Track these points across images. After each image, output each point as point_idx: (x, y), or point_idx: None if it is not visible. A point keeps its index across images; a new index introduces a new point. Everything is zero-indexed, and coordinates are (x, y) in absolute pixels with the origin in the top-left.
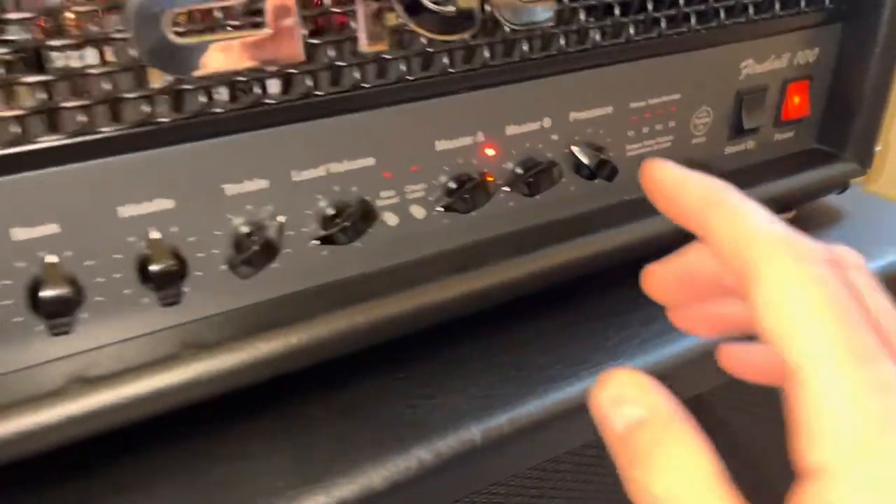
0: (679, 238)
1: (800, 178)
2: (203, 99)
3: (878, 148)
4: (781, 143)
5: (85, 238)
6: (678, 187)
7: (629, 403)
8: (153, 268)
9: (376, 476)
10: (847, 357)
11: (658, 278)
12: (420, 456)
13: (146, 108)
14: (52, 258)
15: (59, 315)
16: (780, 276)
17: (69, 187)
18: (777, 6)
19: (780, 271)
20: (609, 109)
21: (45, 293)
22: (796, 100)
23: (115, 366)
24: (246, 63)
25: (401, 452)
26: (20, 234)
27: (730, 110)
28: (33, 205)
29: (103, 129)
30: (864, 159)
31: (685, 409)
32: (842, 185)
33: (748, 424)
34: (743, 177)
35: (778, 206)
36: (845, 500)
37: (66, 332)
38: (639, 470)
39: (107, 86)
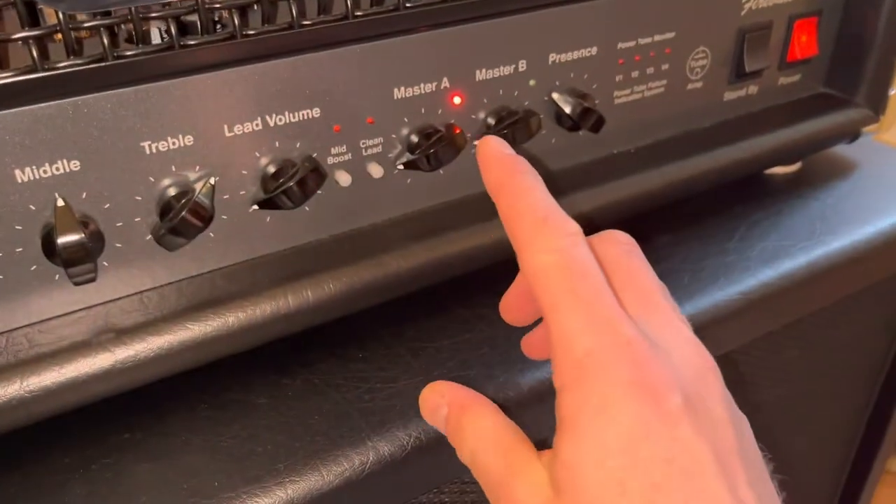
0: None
1: (806, 126)
2: (105, 41)
3: (892, 92)
4: (786, 87)
5: None
6: (487, 166)
7: (440, 407)
8: (60, 240)
9: (328, 473)
10: (572, 304)
11: (510, 305)
12: (379, 449)
13: (35, 52)
14: None
15: None
16: (530, 248)
17: None
18: None
19: (530, 245)
20: (594, 50)
21: None
22: (803, 38)
23: (24, 353)
24: None
25: (356, 445)
26: None
27: (730, 51)
28: None
29: None
30: (877, 105)
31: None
32: (852, 134)
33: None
34: (744, 125)
35: (782, 157)
36: (568, 409)
37: None
38: (457, 448)
39: None
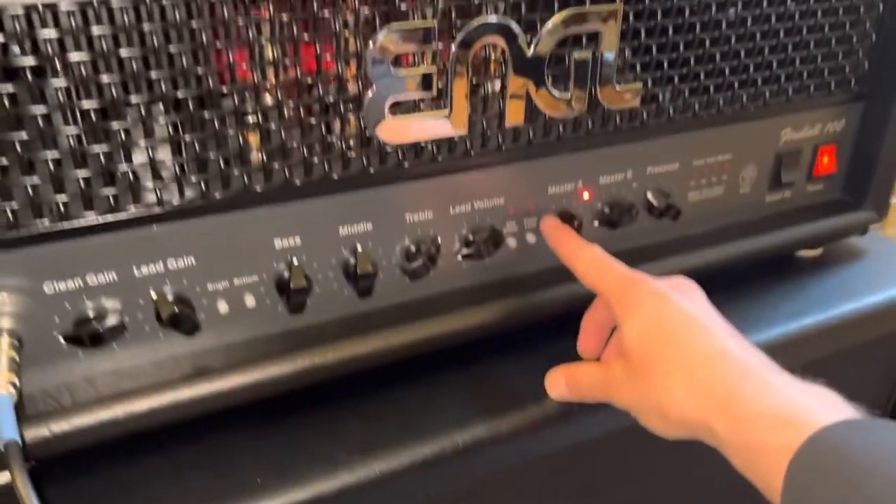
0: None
1: (827, 222)
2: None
3: (893, 200)
4: (812, 193)
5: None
6: (547, 231)
7: (560, 381)
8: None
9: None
10: (607, 274)
11: (584, 347)
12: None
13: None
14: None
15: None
16: (577, 261)
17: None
18: (811, 88)
19: (577, 260)
20: (676, 166)
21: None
22: (825, 160)
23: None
24: (424, 136)
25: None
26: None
27: (770, 167)
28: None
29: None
30: (881, 209)
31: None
32: (862, 229)
33: None
34: (780, 221)
35: (809, 243)
36: (620, 313)
37: None
38: (576, 396)
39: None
